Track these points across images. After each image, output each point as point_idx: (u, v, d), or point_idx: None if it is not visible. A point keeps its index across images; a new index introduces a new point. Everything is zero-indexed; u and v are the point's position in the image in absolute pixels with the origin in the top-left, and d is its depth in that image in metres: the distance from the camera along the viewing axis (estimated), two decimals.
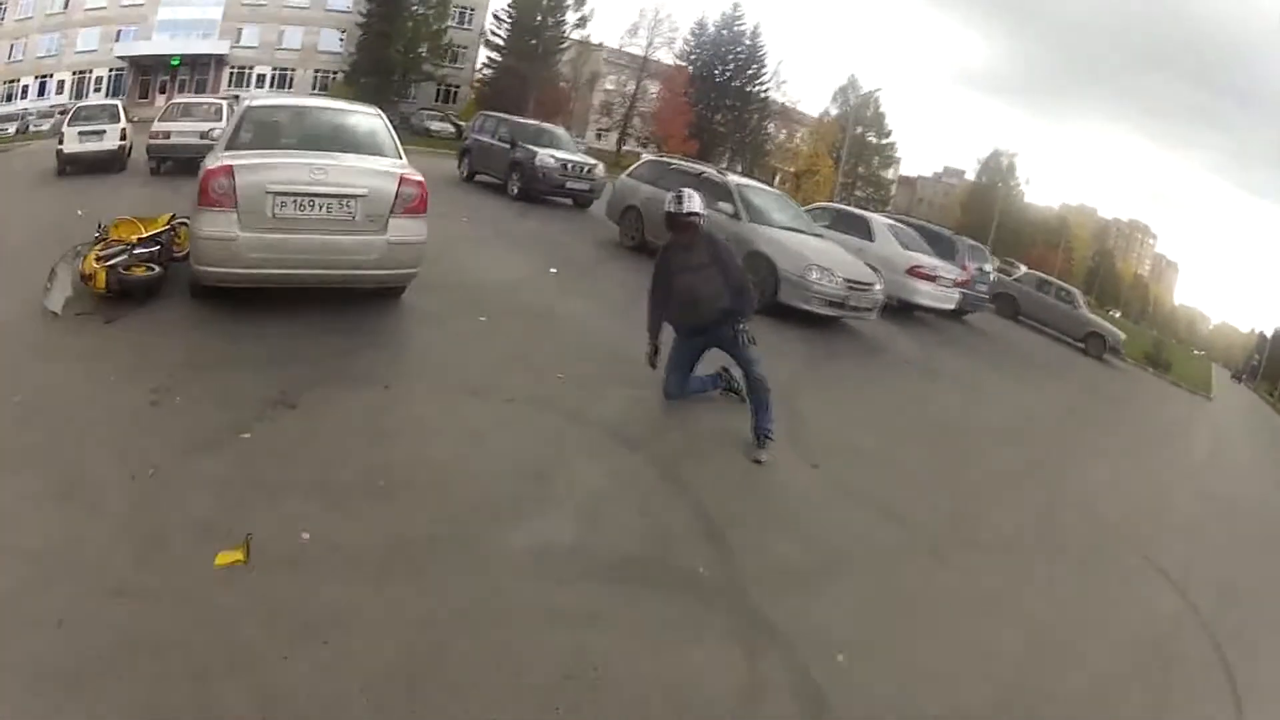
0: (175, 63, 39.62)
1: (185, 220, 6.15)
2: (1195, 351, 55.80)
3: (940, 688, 3.16)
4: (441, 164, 17.62)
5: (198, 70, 40.63)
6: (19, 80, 37.25)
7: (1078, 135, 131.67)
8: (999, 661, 3.50)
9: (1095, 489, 6.94)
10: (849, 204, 24.49)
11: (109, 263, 5.56)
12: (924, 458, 6.09)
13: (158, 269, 5.78)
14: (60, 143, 15.06)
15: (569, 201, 15.03)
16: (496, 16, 47.41)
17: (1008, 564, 4.61)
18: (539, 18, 46.09)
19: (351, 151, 5.83)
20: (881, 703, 2.95)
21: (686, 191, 5.22)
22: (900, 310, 12.36)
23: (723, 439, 5.05)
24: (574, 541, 3.51)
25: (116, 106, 16.79)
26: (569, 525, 3.63)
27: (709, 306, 5.10)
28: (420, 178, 5.73)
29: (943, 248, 14.30)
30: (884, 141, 61.86)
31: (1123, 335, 20.27)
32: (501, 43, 46.96)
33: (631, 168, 12.84)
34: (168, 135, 14.65)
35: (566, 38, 47.92)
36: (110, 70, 38.87)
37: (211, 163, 5.28)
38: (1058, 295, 20.82)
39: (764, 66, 53.36)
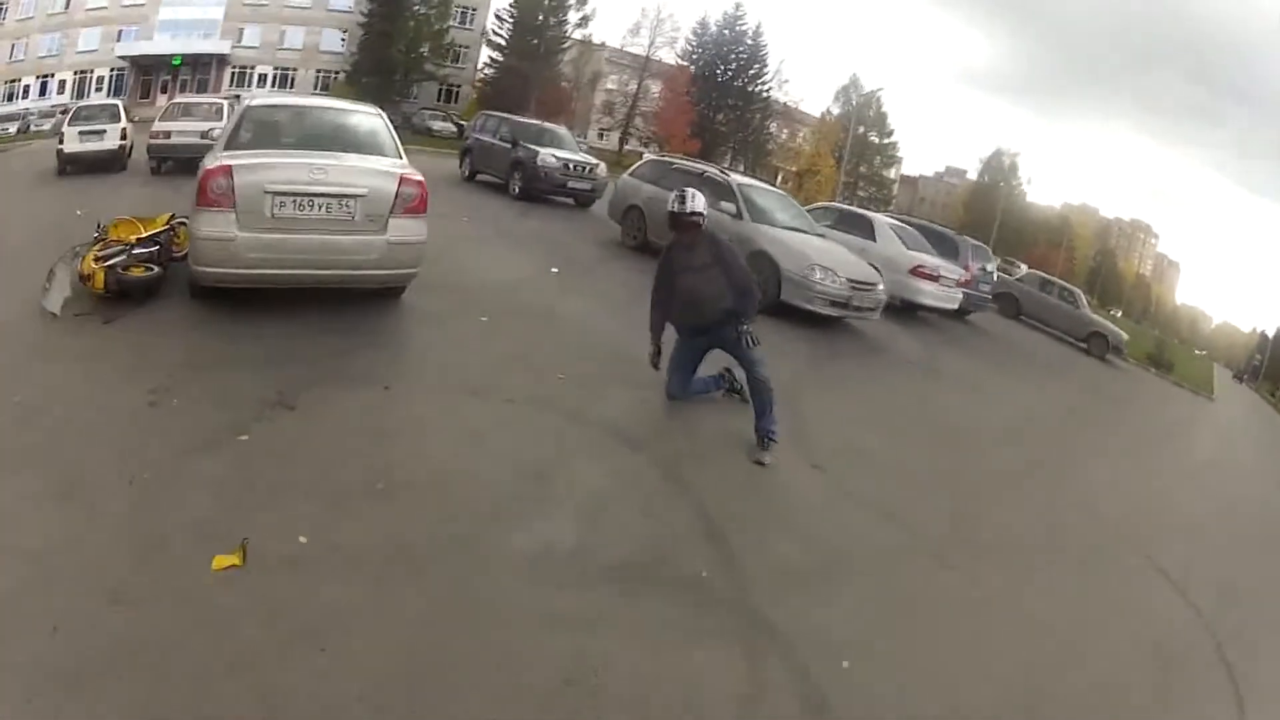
0: (177, 63, 39.67)
1: (185, 220, 6.13)
2: (1197, 351, 55.76)
3: (942, 690, 3.14)
4: (443, 163, 17.63)
5: (199, 70, 40.70)
6: (20, 80, 37.31)
7: (1079, 134, 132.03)
8: (1000, 664, 3.47)
9: (1097, 490, 6.90)
10: (851, 204, 24.44)
11: (107, 263, 5.55)
12: (927, 459, 6.06)
13: (156, 269, 5.76)
14: (60, 142, 15.06)
15: (571, 201, 15.00)
16: (498, 16, 47.61)
17: (1010, 565, 4.57)
18: (541, 17, 46.15)
19: (351, 151, 5.80)
20: (884, 705, 2.93)
21: (690, 191, 5.19)
22: (903, 310, 12.35)
23: (725, 440, 5.02)
24: (574, 543, 3.48)
25: (117, 106, 16.79)
26: (570, 527, 3.60)
27: (711, 307, 5.07)
28: (420, 177, 5.71)
29: (946, 247, 14.30)
30: (886, 141, 61.99)
31: (1125, 335, 20.23)
32: (503, 42, 47.04)
33: (633, 167, 12.82)
34: (168, 135, 14.64)
35: (568, 37, 48.02)
36: (111, 70, 38.96)
37: (210, 163, 5.26)
38: (1060, 295, 20.79)
39: (766, 66, 53.54)
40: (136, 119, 17.57)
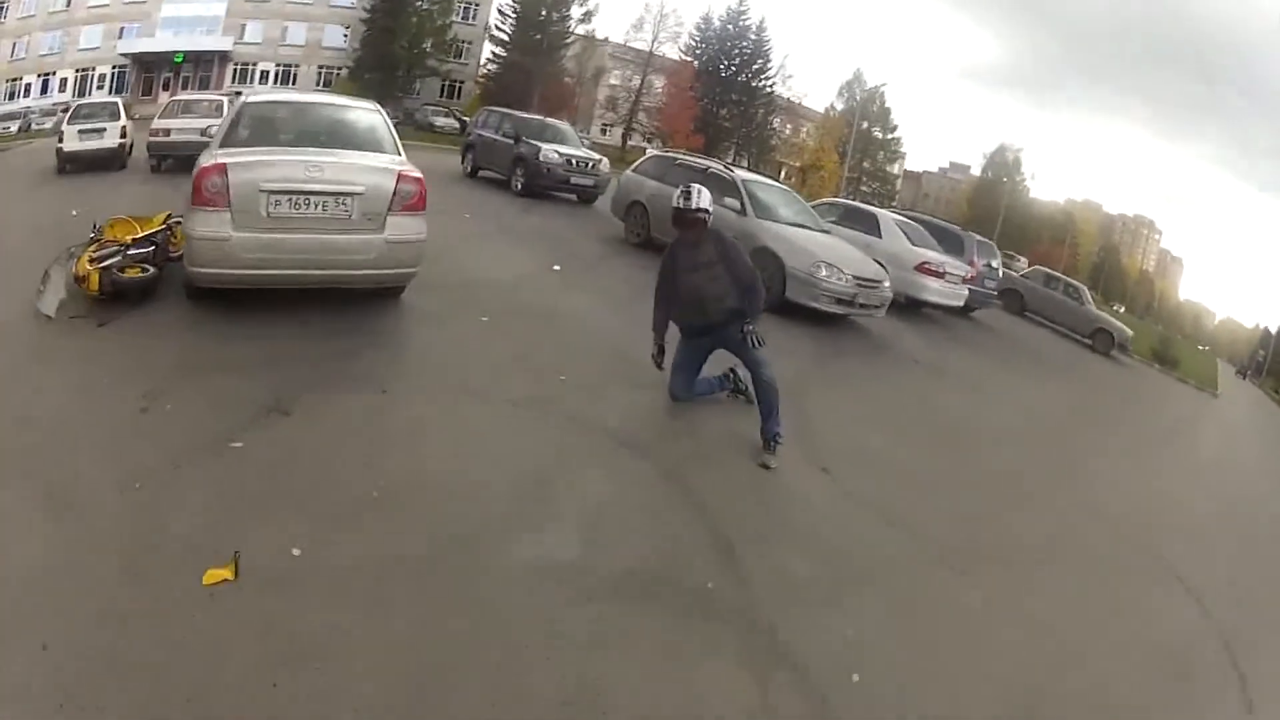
0: (179, 59, 39.64)
1: (181, 219, 6.03)
2: (1200, 347, 55.54)
3: (956, 704, 3.06)
4: (445, 160, 17.54)
5: (201, 67, 40.67)
6: (21, 78, 37.25)
7: (1083, 129, 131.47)
8: (1013, 677, 3.39)
9: (1105, 491, 6.81)
10: (855, 199, 24.28)
11: (102, 264, 5.45)
12: (935, 460, 5.96)
13: (152, 270, 5.67)
14: (60, 141, 15.01)
15: (573, 197, 14.89)
16: (501, 11, 47.51)
17: (1020, 571, 4.48)
18: (544, 12, 46.03)
19: (349, 148, 5.70)
20: None
21: (695, 187, 5.08)
22: (908, 307, 12.22)
23: (730, 443, 4.93)
24: (576, 554, 3.38)
25: (116, 104, 16.72)
26: (571, 537, 3.50)
27: (715, 306, 4.97)
28: (419, 174, 5.60)
29: (951, 244, 14.18)
30: (890, 136, 61.82)
31: (1130, 332, 20.12)
32: (506, 38, 46.92)
33: (637, 163, 12.71)
34: (168, 132, 14.61)
35: (571, 32, 47.89)
36: (113, 68, 38.92)
37: (205, 161, 5.16)
38: (1065, 291, 20.73)
39: (769, 61, 53.35)
40: (137, 116, 17.52)
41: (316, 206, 5.17)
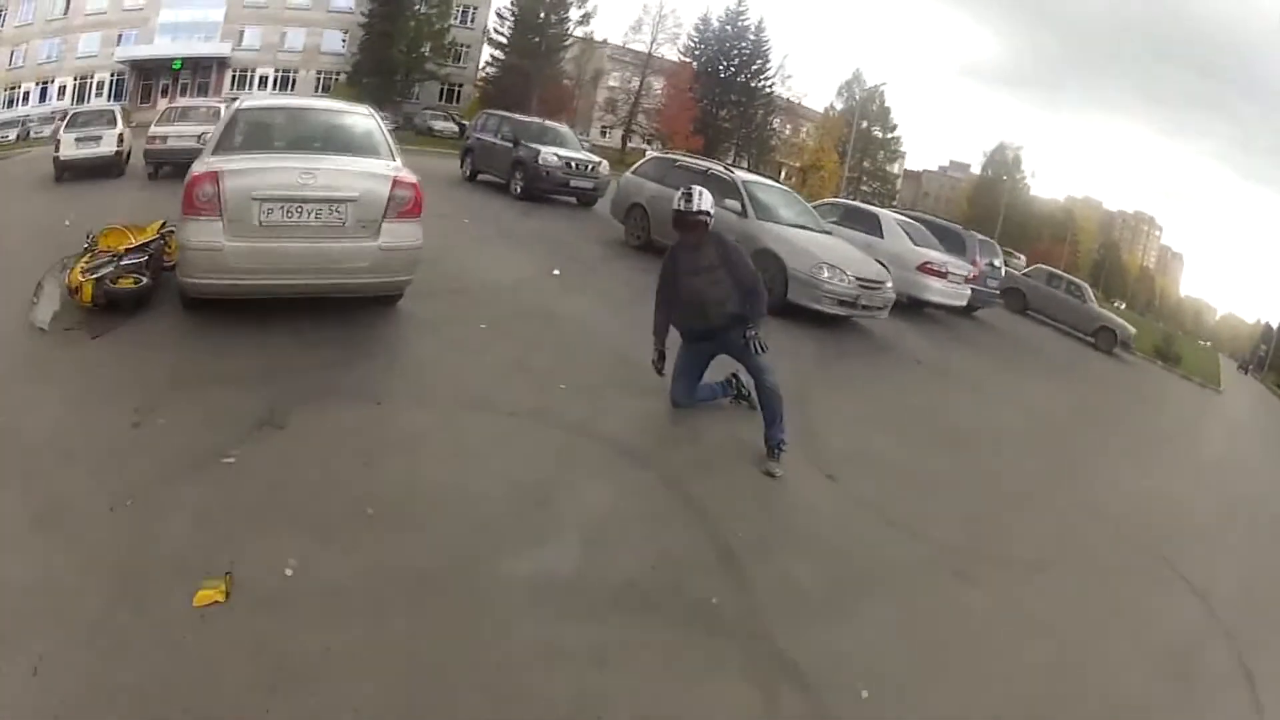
0: (177, 65, 39.53)
1: (175, 228, 5.97)
2: (1201, 343, 55.40)
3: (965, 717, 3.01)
4: (445, 164, 17.47)
5: (199, 73, 40.55)
6: (20, 86, 37.18)
7: (1082, 127, 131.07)
8: (1026, 689, 3.33)
9: (1111, 492, 6.76)
10: (856, 199, 24.21)
11: (96, 274, 5.38)
12: (940, 463, 5.90)
13: (146, 280, 5.58)
14: (57, 149, 14.92)
15: (573, 200, 14.83)
16: (499, 14, 47.36)
17: (1029, 577, 4.42)
18: (542, 15, 45.93)
19: (343, 153, 5.62)
20: None
21: (696, 189, 5.00)
22: (910, 307, 12.16)
23: (733, 450, 4.86)
24: (577, 569, 3.31)
25: (113, 111, 16.62)
26: (572, 551, 3.43)
27: (716, 310, 4.90)
28: (414, 179, 5.52)
29: (953, 243, 14.11)
30: (889, 136, 61.59)
31: (1133, 330, 20.04)
32: (505, 41, 46.82)
33: (636, 165, 12.64)
34: (165, 139, 14.54)
35: (570, 35, 47.77)
36: (112, 74, 38.80)
37: (198, 168, 5.08)
38: (1067, 290, 20.67)
39: (768, 62, 53.13)
40: (135, 123, 17.42)
41: (310, 214, 5.08)
